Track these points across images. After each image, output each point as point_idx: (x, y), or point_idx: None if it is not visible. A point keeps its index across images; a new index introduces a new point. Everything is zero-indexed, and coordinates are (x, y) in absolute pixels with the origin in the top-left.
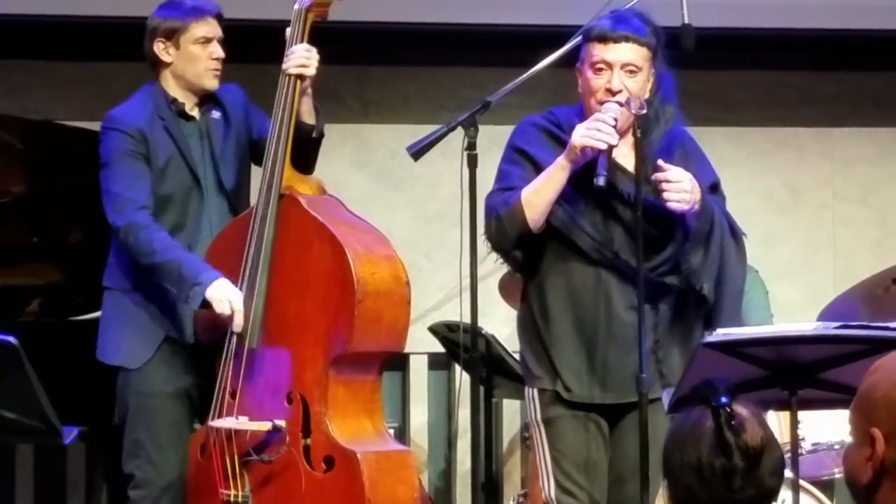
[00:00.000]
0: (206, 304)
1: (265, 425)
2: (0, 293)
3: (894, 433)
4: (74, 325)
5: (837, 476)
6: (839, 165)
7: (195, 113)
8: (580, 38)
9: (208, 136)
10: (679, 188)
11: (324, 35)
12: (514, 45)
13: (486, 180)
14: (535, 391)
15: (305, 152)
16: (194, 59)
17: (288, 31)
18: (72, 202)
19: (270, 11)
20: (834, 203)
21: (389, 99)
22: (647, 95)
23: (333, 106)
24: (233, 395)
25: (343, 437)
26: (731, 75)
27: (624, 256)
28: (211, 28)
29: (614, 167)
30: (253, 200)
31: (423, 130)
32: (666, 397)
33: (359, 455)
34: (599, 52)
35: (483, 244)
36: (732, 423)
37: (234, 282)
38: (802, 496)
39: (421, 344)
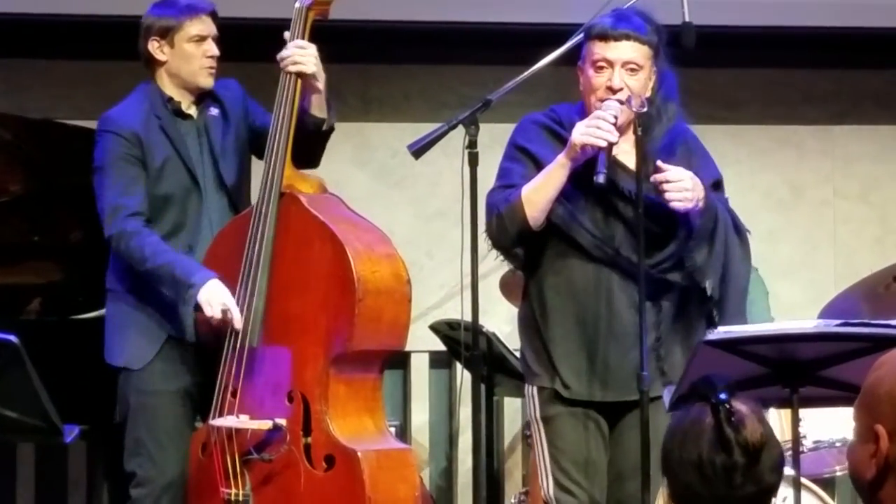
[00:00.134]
0: (200, 307)
1: (266, 424)
2: (0, 292)
3: None
4: (75, 323)
5: (839, 474)
6: (840, 163)
7: (192, 111)
8: (581, 36)
9: (206, 134)
10: (680, 187)
11: (325, 33)
12: (516, 43)
13: (487, 178)
14: (535, 389)
15: (313, 145)
16: (189, 58)
17: (287, 32)
18: (72, 201)
19: (272, 10)
20: (835, 200)
21: (390, 97)
22: (648, 93)
23: (334, 104)
24: (234, 394)
25: (344, 435)
26: (732, 73)
27: (625, 253)
28: (205, 26)
29: (615, 165)
30: (254, 198)
31: (424, 129)
32: (667, 395)
33: (359, 454)
34: (600, 50)
35: (484, 242)
36: (732, 419)
37: (235, 280)
38: (804, 494)
39: (422, 342)
